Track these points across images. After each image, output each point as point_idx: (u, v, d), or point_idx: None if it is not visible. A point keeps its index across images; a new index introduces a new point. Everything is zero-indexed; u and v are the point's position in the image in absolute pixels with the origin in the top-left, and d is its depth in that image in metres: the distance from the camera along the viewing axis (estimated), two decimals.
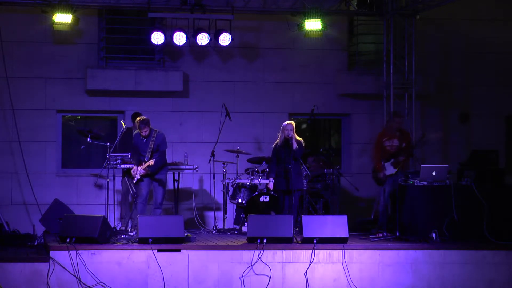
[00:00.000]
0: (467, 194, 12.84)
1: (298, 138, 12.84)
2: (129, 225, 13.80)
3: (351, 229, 12.86)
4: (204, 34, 14.41)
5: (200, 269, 11.60)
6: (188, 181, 14.91)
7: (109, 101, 15.16)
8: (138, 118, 12.89)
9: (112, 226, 12.89)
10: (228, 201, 14.16)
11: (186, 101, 15.35)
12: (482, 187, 12.92)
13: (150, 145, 12.79)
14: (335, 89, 15.80)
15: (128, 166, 13.44)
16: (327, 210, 14.44)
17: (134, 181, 12.85)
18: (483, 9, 16.14)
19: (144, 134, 12.78)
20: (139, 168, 12.76)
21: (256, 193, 13.72)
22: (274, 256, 11.70)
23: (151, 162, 12.67)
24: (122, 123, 13.92)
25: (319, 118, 15.28)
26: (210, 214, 14.92)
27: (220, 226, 14.27)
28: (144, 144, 12.82)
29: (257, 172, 13.98)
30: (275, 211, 13.28)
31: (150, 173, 12.76)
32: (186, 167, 13.89)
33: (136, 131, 12.98)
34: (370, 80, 15.70)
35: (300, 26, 14.80)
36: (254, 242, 11.68)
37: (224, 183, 14.02)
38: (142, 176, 12.77)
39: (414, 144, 13.77)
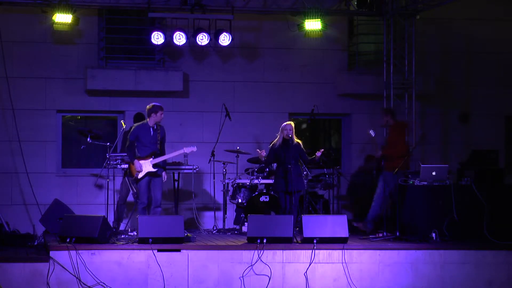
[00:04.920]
0: (467, 194, 12.85)
1: (297, 140, 12.82)
2: (129, 225, 13.81)
3: (351, 229, 12.88)
4: (204, 34, 14.41)
5: (200, 269, 11.60)
6: (188, 181, 14.89)
7: (109, 101, 15.16)
8: (152, 104, 12.75)
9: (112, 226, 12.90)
10: (228, 201, 14.17)
11: (186, 101, 15.36)
12: (482, 187, 12.93)
13: (157, 136, 12.75)
14: (335, 89, 15.80)
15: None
16: (327, 210, 14.45)
17: (139, 176, 12.63)
18: (483, 9, 16.13)
19: (159, 119, 12.67)
20: (147, 161, 12.65)
21: (256, 193, 13.74)
22: (274, 256, 11.70)
23: (177, 152, 12.75)
24: (122, 123, 13.93)
25: (319, 118, 15.27)
26: (210, 214, 14.91)
27: (220, 226, 14.27)
28: (151, 136, 12.71)
29: (257, 172, 13.99)
30: (275, 211, 13.29)
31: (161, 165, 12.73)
32: (186, 167, 13.88)
33: (137, 124, 12.85)
34: (370, 80, 15.70)
35: (300, 26, 14.80)
36: (254, 242, 11.68)
37: (224, 183, 14.03)
38: (154, 166, 12.65)
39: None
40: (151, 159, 12.68)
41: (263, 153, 12.70)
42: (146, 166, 12.63)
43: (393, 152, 13.32)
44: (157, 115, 12.73)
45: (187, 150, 12.96)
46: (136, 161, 12.62)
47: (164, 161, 12.81)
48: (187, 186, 14.80)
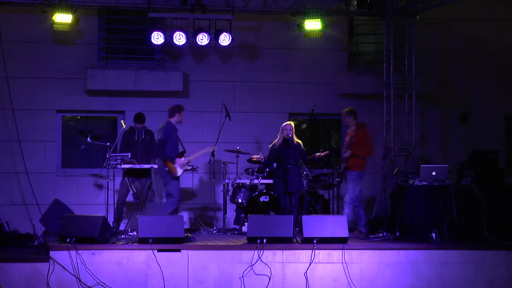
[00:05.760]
0: (467, 194, 12.84)
1: (297, 140, 12.82)
2: (129, 225, 13.80)
3: (351, 229, 12.87)
4: (204, 34, 14.41)
5: (200, 269, 11.60)
6: (188, 181, 14.90)
7: (109, 101, 15.16)
8: (175, 104, 13.21)
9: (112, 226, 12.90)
10: (228, 201, 14.17)
11: (186, 101, 15.34)
12: (482, 187, 12.92)
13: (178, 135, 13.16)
14: (335, 89, 15.81)
15: (128, 166, 13.44)
16: (327, 210, 14.45)
17: (179, 174, 12.97)
18: (483, 9, 16.14)
19: (182, 118, 13.12)
20: (182, 159, 13.02)
21: (256, 193, 13.74)
22: (274, 256, 11.70)
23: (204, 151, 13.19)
24: (122, 123, 13.92)
25: (319, 118, 15.27)
26: (210, 214, 14.91)
27: (220, 226, 14.27)
28: (176, 135, 13.11)
29: (257, 172, 13.99)
30: (275, 211, 13.29)
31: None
32: (186, 167, 13.89)
33: (164, 125, 13.07)
34: (370, 80, 15.70)
35: (300, 26, 14.80)
36: (254, 242, 11.68)
37: (224, 183, 14.04)
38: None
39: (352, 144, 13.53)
40: (183, 157, 13.06)
41: (261, 157, 12.84)
42: (184, 164, 13.05)
43: (361, 152, 13.30)
44: (181, 114, 13.13)
45: (210, 149, 13.43)
46: (178, 159, 13.00)
47: None
48: (187, 186, 14.81)
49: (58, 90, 14.95)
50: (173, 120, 13.11)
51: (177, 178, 13.04)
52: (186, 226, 14.48)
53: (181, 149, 13.25)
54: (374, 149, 15.60)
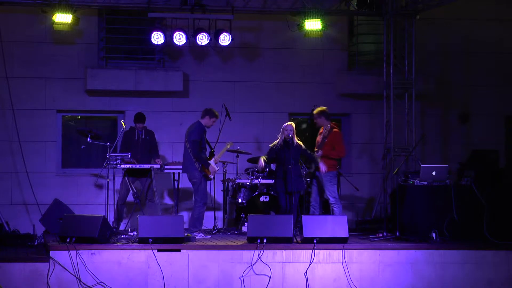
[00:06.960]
0: (467, 194, 12.84)
1: (298, 141, 12.82)
2: (129, 225, 13.80)
3: (351, 229, 12.87)
4: (204, 34, 14.41)
5: (200, 269, 11.60)
6: (188, 181, 14.87)
7: (109, 101, 15.16)
8: (210, 109, 13.27)
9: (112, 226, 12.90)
10: (228, 201, 14.17)
11: (186, 101, 15.36)
12: (482, 187, 12.92)
13: None
14: (335, 89, 15.80)
15: (128, 166, 13.44)
16: (327, 210, 14.44)
17: (212, 176, 13.14)
18: (483, 9, 16.13)
19: (212, 123, 13.25)
20: (212, 160, 13.26)
21: (256, 193, 13.74)
22: (274, 256, 11.70)
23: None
24: (122, 123, 13.93)
25: None
26: (210, 214, 14.90)
27: (220, 226, 14.27)
28: (205, 138, 13.27)
29: (257, 172, 13.98)
30: (275, 211, 13.29)
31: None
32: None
33: (196, 126, 13.18)
34: (370, 80, 15.69)
35: (300, 26, 14.80)
36: (254, 242, 11.69)
37: (224, 183, 14.03)
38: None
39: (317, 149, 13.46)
40: (213, 159, 13.27)
41: (262, 165, 12.82)
42: (214, 168, 13.27)
43: (332, 153, 13.23)
44: (212, 119, 13.26)
45: (229, 145, 13.70)
46: (212, 163, 13.21)
47: None
48: (187, 186, 14.79)
49: (58, 90, 14.95)
50: (203, 121, 13.24)
51: (207, 180, 13.23)
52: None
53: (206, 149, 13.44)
54: (375, 149, 15.64)
